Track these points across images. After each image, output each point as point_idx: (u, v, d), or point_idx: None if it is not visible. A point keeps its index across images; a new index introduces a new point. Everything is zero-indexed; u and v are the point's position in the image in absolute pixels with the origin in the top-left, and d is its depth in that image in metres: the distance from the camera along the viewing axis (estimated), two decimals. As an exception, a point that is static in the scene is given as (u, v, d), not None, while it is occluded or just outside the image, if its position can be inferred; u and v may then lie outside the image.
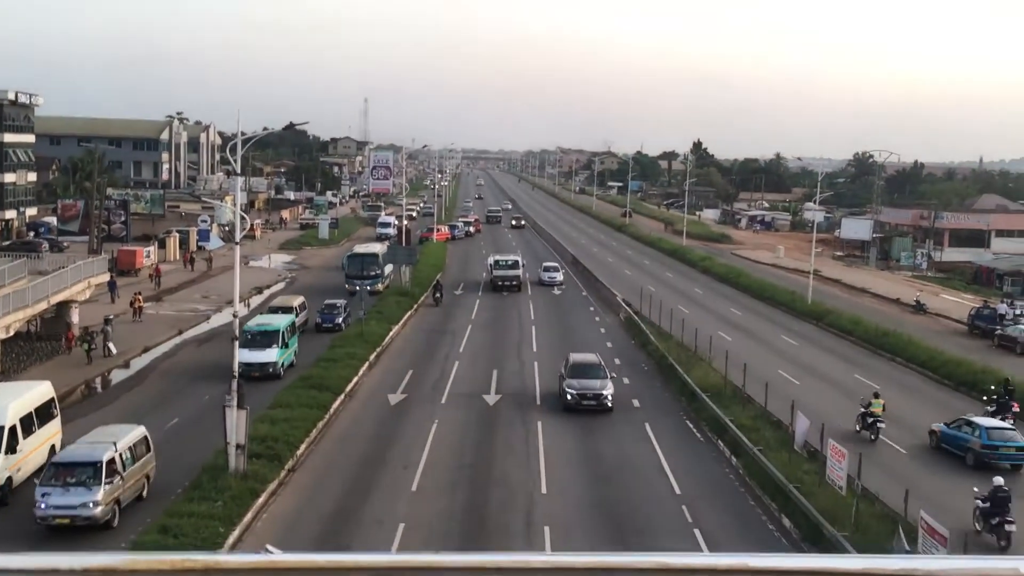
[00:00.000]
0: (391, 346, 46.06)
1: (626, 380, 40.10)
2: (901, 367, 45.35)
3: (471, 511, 25.00)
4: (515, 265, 66.59)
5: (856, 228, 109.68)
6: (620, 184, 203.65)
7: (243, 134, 29.28)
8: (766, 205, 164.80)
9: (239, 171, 29.71)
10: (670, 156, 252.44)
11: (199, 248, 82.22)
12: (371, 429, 32.36)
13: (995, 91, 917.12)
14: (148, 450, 26.12)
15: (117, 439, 24.59)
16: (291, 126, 36.58)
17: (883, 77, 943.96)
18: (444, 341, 47.92)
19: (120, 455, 24.06)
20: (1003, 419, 31.70)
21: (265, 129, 51.90)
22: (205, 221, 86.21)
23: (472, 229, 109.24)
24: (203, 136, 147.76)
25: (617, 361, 43.77)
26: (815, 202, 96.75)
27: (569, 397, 34.02)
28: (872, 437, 31.25)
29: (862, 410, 32.26)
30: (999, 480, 23.69)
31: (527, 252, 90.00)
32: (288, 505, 25.11)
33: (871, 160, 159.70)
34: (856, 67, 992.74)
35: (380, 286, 59.79)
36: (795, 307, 61.03)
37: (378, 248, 65.89)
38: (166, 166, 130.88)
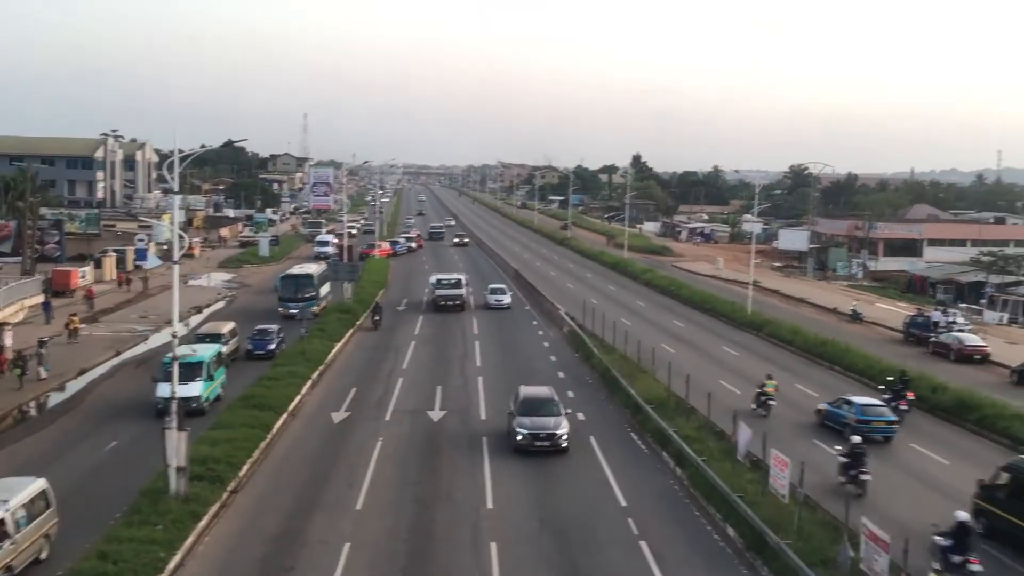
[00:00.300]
0: (334, 364, 45.65)
1: (571, 393, 40.14)
2: (839, 375, 46.08)
3: (417, 528, 24.81)
4: (458, 284, 64.36)
5: (793, 239, 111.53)
6: (561, 198, 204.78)
7: (180, 151, 28.83)
8: (705, 217, 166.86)
9: (176, 189, 29.22)
10: (610, 170, 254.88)
11: (136, 267, 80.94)
12: (314, 448, 32.01)
13: (925, 105, 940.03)
14: (48, 506, 22.91)
15: (9, 497, 21.46)
16: (229, 143, 36.06)
17: (818, 91, 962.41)
18: (387, 357, 47.63)
19: (12, 515, 21.11)
20: (897, 405, 35.99)
21: (203, 146, 50.99)
22: (142, 240, 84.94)
23: (414, 245, 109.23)
24: (139, 154, 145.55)
25: (561, 375, 43.90)
26: (753, 214, 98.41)
27: (520, 438, 31.03)
28: (764, 413, 36.05)
29: (758, 390, 37.05)
30: (856, 438, 28.34)
31: (470, 268, 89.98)
32: (231, 527, 24.70)
33: (807, 172, 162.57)
34: (792, 82, 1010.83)
35: (316, 308, 56.93)
36: (736, 318, 61.79)
37: (313, 268, 62.53)
38: (101, 185, 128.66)
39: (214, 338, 42.86)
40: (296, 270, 62.67)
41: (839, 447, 29.29)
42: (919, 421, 37.24)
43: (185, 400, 31.48)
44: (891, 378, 39.18)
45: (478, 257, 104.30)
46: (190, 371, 34.86)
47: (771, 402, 36.62)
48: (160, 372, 35.24)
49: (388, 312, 60.46)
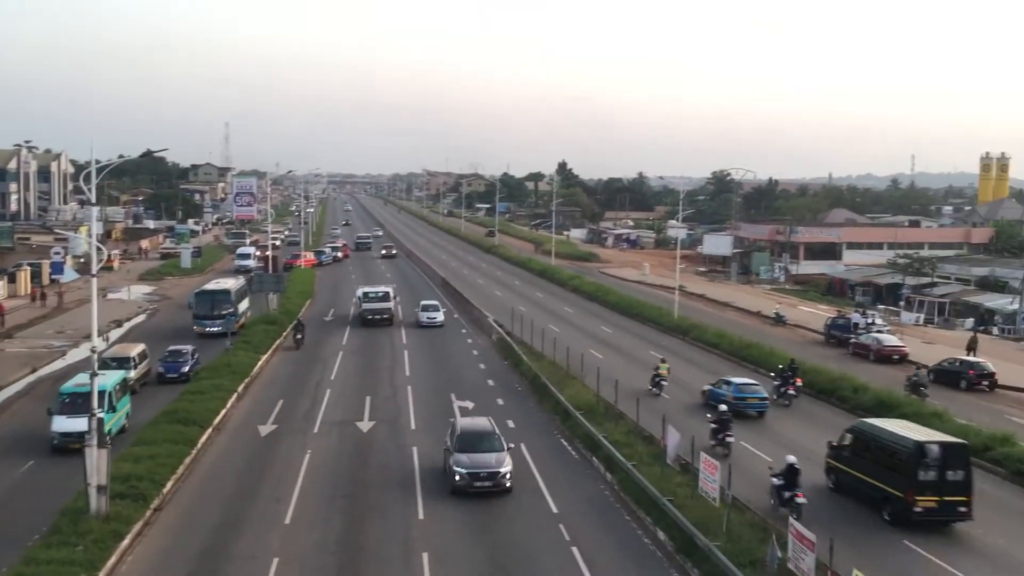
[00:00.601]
0: (260, 376, 44.95)
1: (500, 401, 40.18)
2: (764, 377, 46.73)
3: (347, 541, 24.51)
4: (385, 297, 61.61)
5: (717, 244, 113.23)
6: (488, 206, 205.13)
7: (98, 162, 28.12)
8: (631, 223, 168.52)
9: (94, 200, 28.49)
10: (536, 177, 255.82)
11: (52, 281, 78.79)
12: (241, 462, 31.44)
13: (842, 111, 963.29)
14: None
15: None
16: (148, 153, 35.21)
17: (739, 99, 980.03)
18: (315, 369, 47.07)
19: None
20: (784, 391, 40.81)
21: (121, 157, 49.84)
22: (58, 253, 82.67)
23: (340, 255, 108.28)
24: (54, 165, 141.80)
25: (491, 383, 43.87)
26: (678, 219, 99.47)
27: (458, 478, 27.55)
28: (657, 392, 41.08)
29: (653, 373, 42.26)
30: (723, 407, 32.97)
31: (398, 278, 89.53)
32: (155, 546, 24.10)
33: (729, 178, 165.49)
34: (714, 89, 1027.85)
35: (234, 326, 53.16)
36: (662, 323, 62.41)
37: (231, 283, 58.70)
38: (15, 197, 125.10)
39: (120, 363, 39.67)
40: (212, 285, 58.70)
41: (710, 415, 34.31)
42: (843, 421, 37.99)
43: (82, 435, 27.47)
44: (781, 366, 42.89)
45: (405, 267, 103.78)
46: (89, 402, 31.18)
47: (663, 383, 41.75)
48: (56, 404, 32.91)
49: (314, 324, 59.73)
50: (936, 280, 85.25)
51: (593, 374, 39.42)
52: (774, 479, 26.13)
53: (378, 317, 59.92)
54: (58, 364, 48.60)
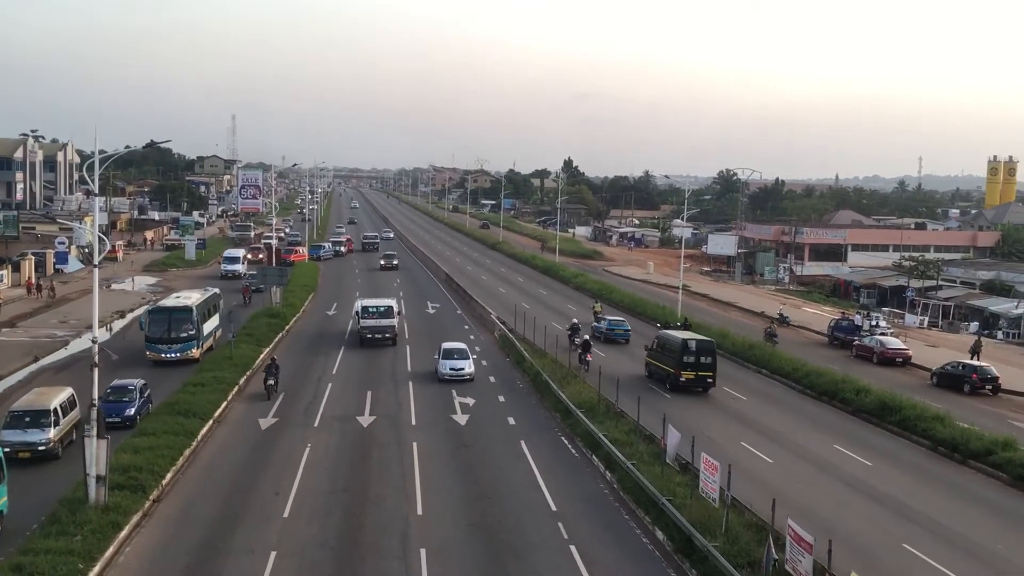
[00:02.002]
0: (262, 369, 44.88)
1: (501, 398, 40.16)
2: (766, 378, 46.75)
3: (345, 536, 24.47)
4: (388, 312, 52.41)
5: (722, 244, 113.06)
6: (493, 202, 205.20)
7: (102, 152, 28.12)
8: (636, 222, 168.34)
9: (97, 190, 28.48)
10: (542, 174, 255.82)
11: (56, 271, 78.90)
12: (241, 455, 31.44)
13: (850, 114, 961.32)
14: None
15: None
16: (152, 144, 35.17)
17: (746, 98, 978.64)
18: (317, 363, 47.05)
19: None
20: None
21: (127, 147, 49.89)
22: (63, 243, 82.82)
23: (344, 249, 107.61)
24: (60, 155, 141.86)
25: (493, 379, 43.86)
26: (683, 219, 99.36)
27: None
28: (592, 328, 56.39)
29: (592, 307, 63.29)
30: (575, 320, 53.19)
31: (402, 274, 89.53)
32: (153, 537, 24.09)
33: (735, 178, 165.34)
34: (721, 88, 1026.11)
35: (195, 351, 44.94)
36: (666, 322, 62.20)
37: (194, 298, 47.98)
38: (20, 186, 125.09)
39: (35, 418, 30.04)
40: (171, 301, 48.31)
41: (565, 325, 54.25)
42: (845, 423, 37.98)
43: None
44: (679, 323, 55.87)
45: (410, 262, 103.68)
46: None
47: (601, 319, 58.63)
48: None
49: (318, 316, 59.62)
50: (941, 283, 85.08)
51: (595, 372, 39.37)
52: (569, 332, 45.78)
53: (379, 337, 51.68)
54: (61, 354, 48.63)
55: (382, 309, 52.31)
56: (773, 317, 65.37)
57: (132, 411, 33.99)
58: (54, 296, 64.52)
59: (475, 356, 46.64)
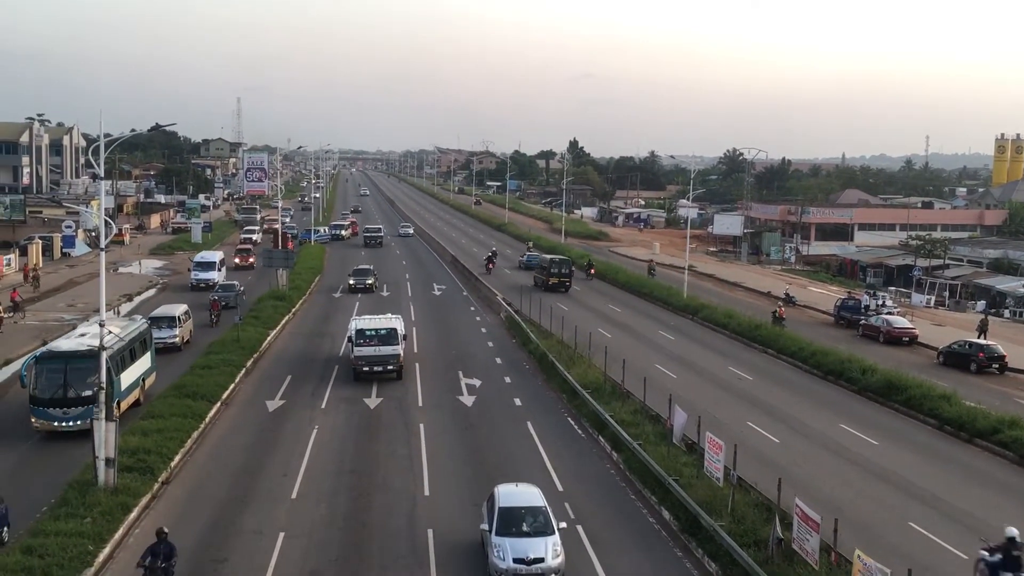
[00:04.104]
0: (269, 351, 45.10)
1: (508, 379, 40.25)
2: (772, 358, 46.75)
3: (353, 517, 24.61)
4: (390, 337, 39.85)
5: (728, 224, 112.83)
6: (499, 183, 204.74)
7: (108, 136, 28.15)
8: (642, 203, 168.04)
9: (102, 174, 28.54)
10: (548, 155, 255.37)
11: (64, 255, 79.06)
12: (249, 437, 31.59)
13: (857, 92, 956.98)
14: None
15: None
16: (157, 127, 35.14)
17: (752, 78, 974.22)
18: (324, 345, 47.16)
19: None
20: (590, 276, 74.98)
21: (132, 131, 49.90)
22: (70, 227, 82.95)
23: (345, 233, 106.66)
24: (66, 138, 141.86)
25: (499, 360, 43.93)
26: (688, 199, 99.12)
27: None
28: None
29: (526, 247, 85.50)
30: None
31: (408, 254, 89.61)
32: (162, 519, 24.22)
33: (741, 158, 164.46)
34: (726, 68, 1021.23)
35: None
36: (672, 302, 62.30)
37: (115, 331, 33.31)
38: (27, 170, 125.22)
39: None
40: (69, 342, 33.17)
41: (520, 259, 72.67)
42: (851, 403, 38.02)
43: None
44: (586, 262, 77.11)
45: (416, 244, 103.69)
46: None
47: (531, 252, 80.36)
48: None
49: (323, 296, 59.57)
50: (948, 262, 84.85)
51: (601, 353, 39.43)
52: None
53: (378, 370, 39.39)
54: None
55: (383, 333, 40.02)
56: (779, 297, 65.30)
57: None
58: (38, 286, 61.49)
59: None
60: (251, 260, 77.31)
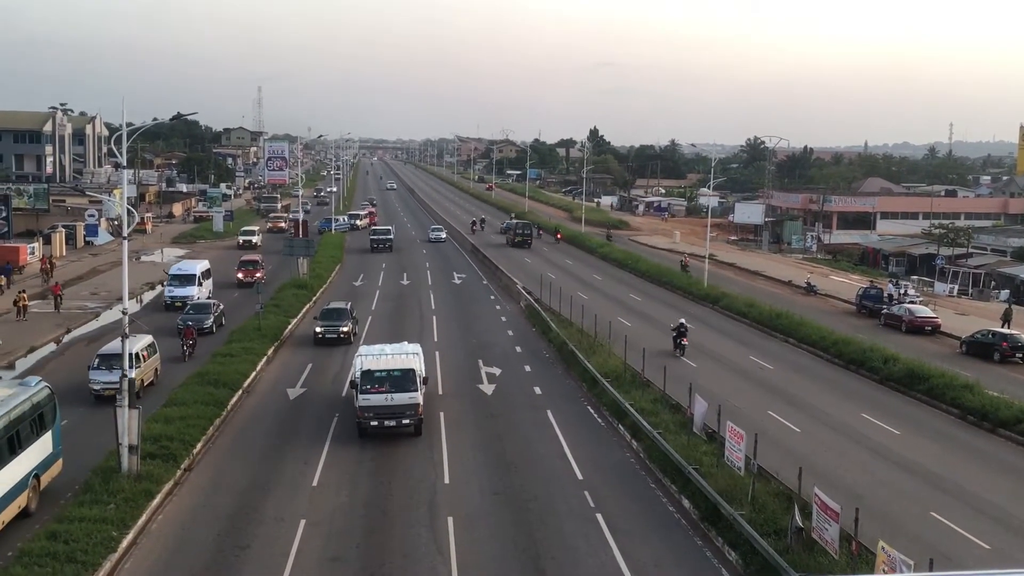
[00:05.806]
0: (289, 339, 45.29)
1: (528, 368, 40.28)
2: (793, 347, 46.55)
3: (373, 504, 24.73)
4: (405, 381, 30.76)
5: (749, 212, 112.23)
6: (519, 172, 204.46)
7: (130, 125, 28.30)
8: (662, 191, 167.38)
9: (124, 163, 28.68)
10: (568, 144, 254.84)
11: (87, 243, 79.65)
12: (270, 424, 31.78)
13: (879, 78, 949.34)
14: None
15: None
16: (178, 116, 35.30)
17: (773, 65, 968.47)
18: (344, 333, 47.19)
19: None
20: (557, 240, 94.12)
21: (154, 120, 50.09)
22: (92, 215, 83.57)
23: (360, 223, 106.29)
24: (89, 128, 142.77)
25: (519, 349, 43.97)
26: (709, 187, 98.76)
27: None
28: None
29: (504, 224, 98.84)
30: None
31: (429, 244, 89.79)
32: (185, 505, 24.47)
33: (762, 146, 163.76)
34: (748, 55, 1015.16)
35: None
36: (692, 291, 62.10)
37: (39, 393, 25.49)
38: (50, 159, 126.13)
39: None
40: None
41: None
42: (872, 392, 37.81)
43: None
44: (554, 229, 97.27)
45: (450, 253, 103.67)
46: None
47: (510, 221, 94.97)
48: None
49: (345, 287, 59.75)
50: (971, 251, 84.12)
51: (621, 342, 39.38)
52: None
53: (390, 425, 30.20)
54: (92, 325, 49.23)
55: (396, 375, 30.90)
56: (800, 286, 64.94)
57: None
58: (49, 277, 60.03)
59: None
60: (259, 275, 60.79)
